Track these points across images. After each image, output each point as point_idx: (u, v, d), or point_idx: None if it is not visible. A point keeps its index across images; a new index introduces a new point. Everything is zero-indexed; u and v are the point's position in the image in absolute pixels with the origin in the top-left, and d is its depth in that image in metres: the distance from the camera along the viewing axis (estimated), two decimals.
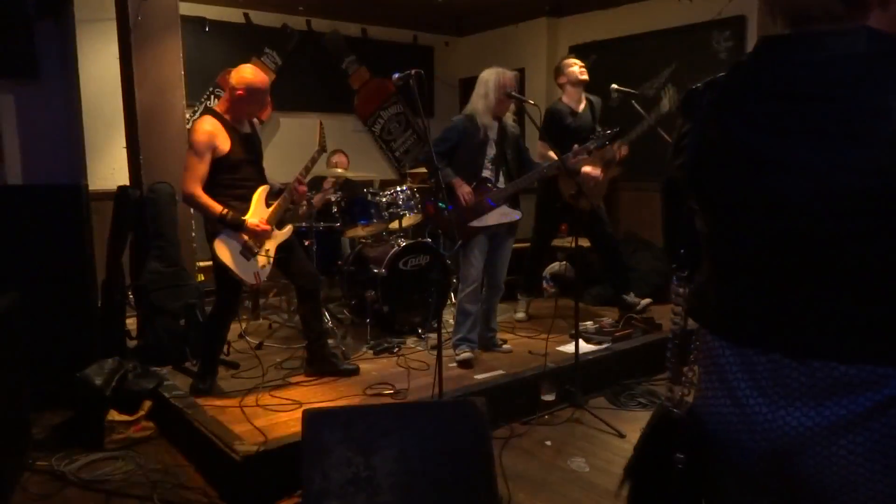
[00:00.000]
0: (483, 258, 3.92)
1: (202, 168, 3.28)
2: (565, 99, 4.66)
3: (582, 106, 4.67)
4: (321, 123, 3.81)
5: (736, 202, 1.12)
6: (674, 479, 1.17)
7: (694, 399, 1.24)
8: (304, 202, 4.30)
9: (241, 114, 3.44)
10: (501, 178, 3.94)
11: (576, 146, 3.94)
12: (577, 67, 4.62)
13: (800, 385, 1.06)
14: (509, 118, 4.01)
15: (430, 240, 4.82)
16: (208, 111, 3.45)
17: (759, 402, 1.10)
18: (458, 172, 3.84)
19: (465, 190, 3.78)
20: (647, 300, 4.86)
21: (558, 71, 4.71)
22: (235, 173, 3.40)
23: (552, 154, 4.01)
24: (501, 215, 3.91)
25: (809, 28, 1.05)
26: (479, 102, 3.85)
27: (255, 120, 3.65)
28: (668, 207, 1.35)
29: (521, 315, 4.95)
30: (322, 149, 3.73)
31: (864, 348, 1.01)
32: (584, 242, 5.50)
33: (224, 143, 3.33)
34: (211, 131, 3.30)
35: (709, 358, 1.19)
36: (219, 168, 3.34)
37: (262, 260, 3.44)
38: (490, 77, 3.83)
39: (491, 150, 3.91)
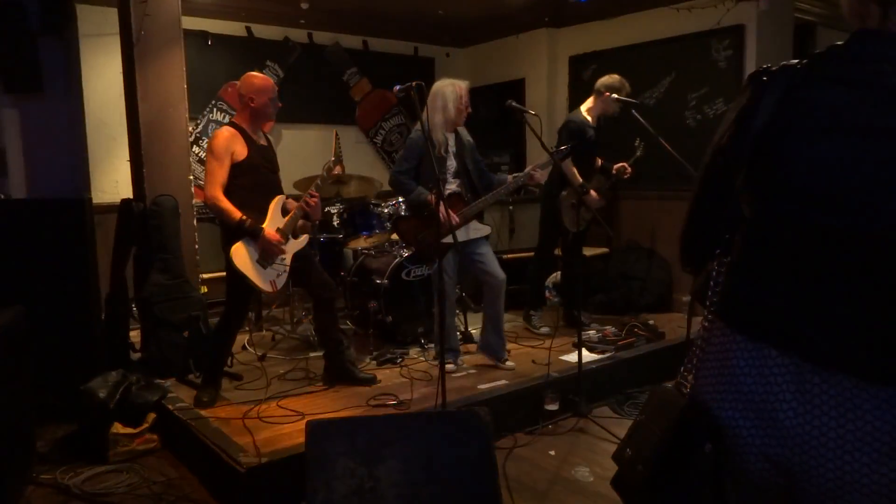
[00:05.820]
0: (455, 273, 3.93)
1: (222, 173, 3.38)
2: (585, 112, 4.59)
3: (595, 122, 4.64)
4: (336, 134, 3.76)
5: (792, 188, 1.06)
6: (700, 468, 1.14)
7: (696, 387, 1.21)
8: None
9: (256, 122, 3.54)
10: (466, 190, 3.92)
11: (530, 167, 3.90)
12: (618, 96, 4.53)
13: (820, 392, 1.01)
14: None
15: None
16: (229, 123, 3.56)
17: (769, 403, 1.05)
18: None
19: (445, 208, 3.61)
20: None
21: (609, 87, 4.55)
22: (252, 181, 3.47)
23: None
24: (472, 231, 3.91)
25: None
26: (438, 115, 3.79)
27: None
28: (708, 185, 1.26)
29: (545, 329, 4.82)
30: (338, 159, 3.73)
31: None
32: (590, 251, 5.53)
33: (241, 150, 3.43)
34: (228, 137, 3.41)
35: (718, 348, 1.15)
36: (236, 175, 3.42)
37: (278, 269, 3.48)
38: (447, 89, 3.80)
39: (451, 163, 3.90)
